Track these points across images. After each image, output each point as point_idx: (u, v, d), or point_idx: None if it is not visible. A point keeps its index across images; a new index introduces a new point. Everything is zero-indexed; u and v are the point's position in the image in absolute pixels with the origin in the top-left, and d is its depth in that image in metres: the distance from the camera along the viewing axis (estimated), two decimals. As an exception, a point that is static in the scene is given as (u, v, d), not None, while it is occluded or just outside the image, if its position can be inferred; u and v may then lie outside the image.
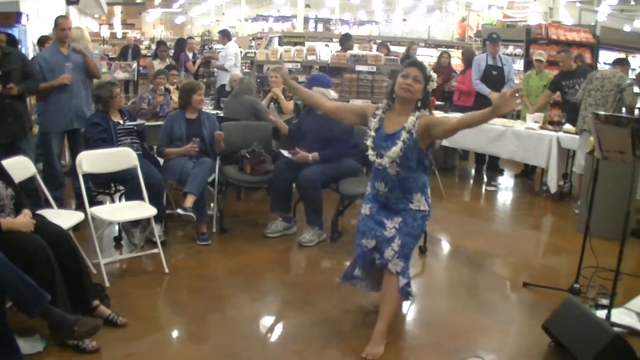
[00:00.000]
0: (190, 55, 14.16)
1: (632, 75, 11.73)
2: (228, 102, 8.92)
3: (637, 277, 6.36)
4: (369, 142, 4.64)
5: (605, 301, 5.30)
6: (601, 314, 4.90)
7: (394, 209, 4.65)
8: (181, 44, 14.27)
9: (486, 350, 4.74)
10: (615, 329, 4.48)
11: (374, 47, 14.39)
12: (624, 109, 8.51)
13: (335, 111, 5.01)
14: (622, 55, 15.18)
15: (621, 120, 4.96)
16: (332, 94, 7.03)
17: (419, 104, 4.57)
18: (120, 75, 14.65)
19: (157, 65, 11.77)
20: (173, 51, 13.99)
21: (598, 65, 13.73)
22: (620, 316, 5.08)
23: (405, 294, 4.64)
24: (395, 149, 4.44)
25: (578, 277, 5.75)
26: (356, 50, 13.03)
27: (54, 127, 7.45)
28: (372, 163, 4.67)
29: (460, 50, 14.80)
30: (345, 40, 12.87)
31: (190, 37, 17.48)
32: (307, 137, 6.94)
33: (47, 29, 11.50)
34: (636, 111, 8.78)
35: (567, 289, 5.66)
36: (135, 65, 14.67)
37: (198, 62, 14.28)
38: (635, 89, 8.67)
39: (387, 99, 4.70)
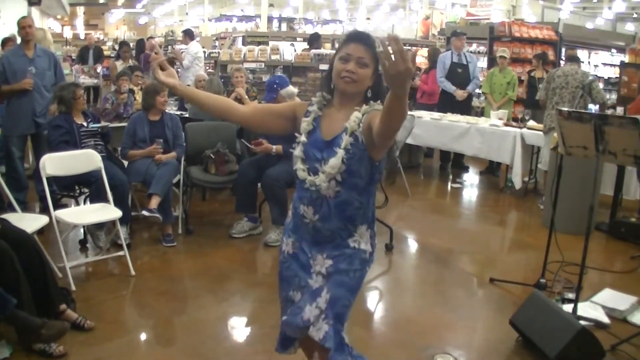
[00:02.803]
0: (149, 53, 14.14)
1: (593, 71, 11.90)
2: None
3: (602, 271, 6.43)
4: (297, 152, 3.14)
5: (571, 295, 5.35)
6: (567, 308, 4.94)
7: (323, 243, 3.17)
8: (141, 45, 14.23)
9: (454, 347, 4.76)
10: (582, 322, 4.52)
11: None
12: (590, 106, 8.58)
13: (252, 117, 3.25)
14: (585, 52, 15.42)
15: (583, 116, 5.01)
16: (295, 90, 7.06)
17: (369, 94, 3.07)
18: (87, 81, 14.06)
19: (120, 66, 11.72)
20: (134, 52, 13.93)
21: (561, 62, 13.85)
22: (587, 310, 5.14)
23: None
24: (335, 162, 2.97)
25: (544, 271, 5.79)
26: (320, 49, 13.07)
27: (14, 131, 7.34)
28: (297, 180, 3.18)
29: (425, 49, 14.89)
30: (315, 40, 12.89)
31: (151, 37, 17.38)
32: (272, 135, 6.92)
33: (9, 30, 11.40)
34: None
35: (534, 283, 5.71)
36: (100, 69, 14.30)
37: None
38: (600, 84, 8.76)
39: (323, 91, 3.22)
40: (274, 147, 6.79)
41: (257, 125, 3.36)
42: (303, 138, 3.12)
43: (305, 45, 13.58)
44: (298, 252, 3.24)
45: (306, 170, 3.09)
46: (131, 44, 15.59)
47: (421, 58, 14.87)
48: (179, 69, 13.76)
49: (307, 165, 3.10)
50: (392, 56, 2.28)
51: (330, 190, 3.02)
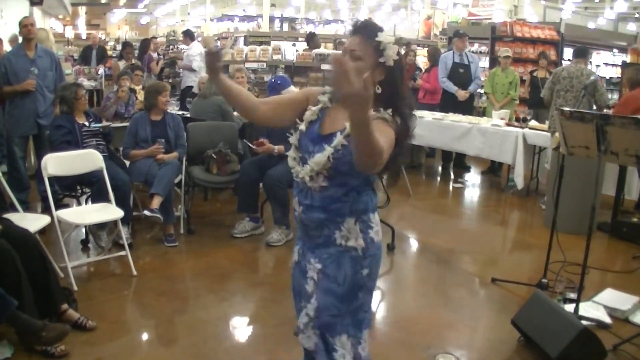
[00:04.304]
0: (154, 55, 14.07)
1: (595, 71, 11.86)
2: (196, 102, 8.88)
3: (604, 271, 6.43)
4: (292, 139, 2.99)
5: (573, 295, 5.35)
6: (569, 307, 4.94)
7: (314, 242, 3.00)
8: (145, 45, 14.19)
9: (456, 347, 4.76)
10: (583, 322, 4.52)
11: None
12: (594, 108, 8.51)
13: (271, 114, 3.03)
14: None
15: (585, 116, 5.00)
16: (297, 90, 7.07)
17: (378, 89, 2.82)
18: (85, 83, 13.77)
19: (123, 66, 11.70)
20: (138, 52, 13.90)
21: (563, 62, 13.86)
22: (588, 310, 5.13)
23: None
24: (320, 158, 2.79)
25: (546, 271, 5.79)
26: (322, 49, 13.08)
27: (16, 132, 7.35)
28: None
29: (426, 49, 14.87)
30: (311, 39, 12.91)
31: (154, 37, 17.32)
32: (273, 134, 6.89)
33: (11, 30, 11.40)
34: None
35: (535, 283, 5.71)
36: (102, 70, 14.13)
37: (160, 62, 14.16)
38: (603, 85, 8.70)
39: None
40: (276, 147, 6.78)
41: (269, 121, 3.08)
42: (302, 126, 2.95)
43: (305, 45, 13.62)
44: (301, 259, 3.08)
45: (298, 159, 2.95)
46: (134, 44, 15.54)
47: (423, 58, 14.87)
48: (179, 70, 13.76)
49: (299, 154, 2.94)
50: (339, 77, 2.12)
51: (316, 185, 2.86)
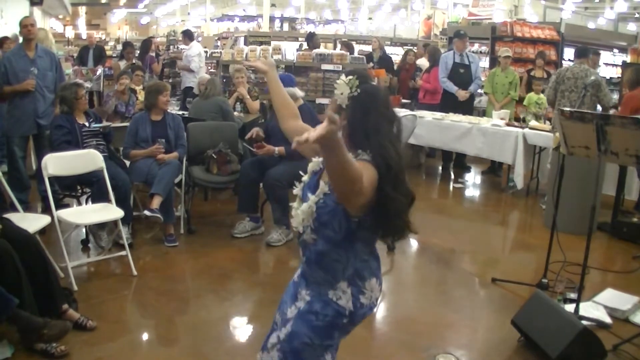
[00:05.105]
0: (154, 55, 14.04)
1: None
2: (196, 102, 8.88)
3: (604, 271, 6.43)
4: (296, 190, 2.98)
5: (573, 295, 5.36)
6: (569, 307, 4.94)
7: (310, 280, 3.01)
8: (146, 45, 14.16)
9: (456, 347, 4.76)
10: (584, 322, 4.52)
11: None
12: (599, 106, 8.50)
13: (289, 133, 3.16)
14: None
15: (585, 116, 5.00)
16: (299, 92, 7.05)
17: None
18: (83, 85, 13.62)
19: (123, 66, 11.68)
20: (139, 52, 13.87)
21: (563, 62, 13.85)
22: (588, 309, 5.13)
23: None
24: (305, 207, 2.81)
25: (546, 271, 5.79)
26: (322, 49, 13.08)
27: (15, 132, 7.36)
28: None
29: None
30: (309, 40, 12.92)
31: (153, 37, 17.25)
32: (274, 135, 6.89)
33: (11, 30, 11.38)
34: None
35: (536, 283, 5.71)
36: (100, 71, 14.05)
37: (161, 62, 14.13)
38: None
39: None
40: (277, 148, 6.77)
41: (286, 132, 3.24)
42: (305, 178, 2.98)
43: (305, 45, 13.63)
44: (297, 281, 3.11)
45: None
46: (135, 44, 15.49)
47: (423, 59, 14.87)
48: (179, 71, 13.74)
49: (301, 204, 2.89)
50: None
51: (308, 237, 2.88)
